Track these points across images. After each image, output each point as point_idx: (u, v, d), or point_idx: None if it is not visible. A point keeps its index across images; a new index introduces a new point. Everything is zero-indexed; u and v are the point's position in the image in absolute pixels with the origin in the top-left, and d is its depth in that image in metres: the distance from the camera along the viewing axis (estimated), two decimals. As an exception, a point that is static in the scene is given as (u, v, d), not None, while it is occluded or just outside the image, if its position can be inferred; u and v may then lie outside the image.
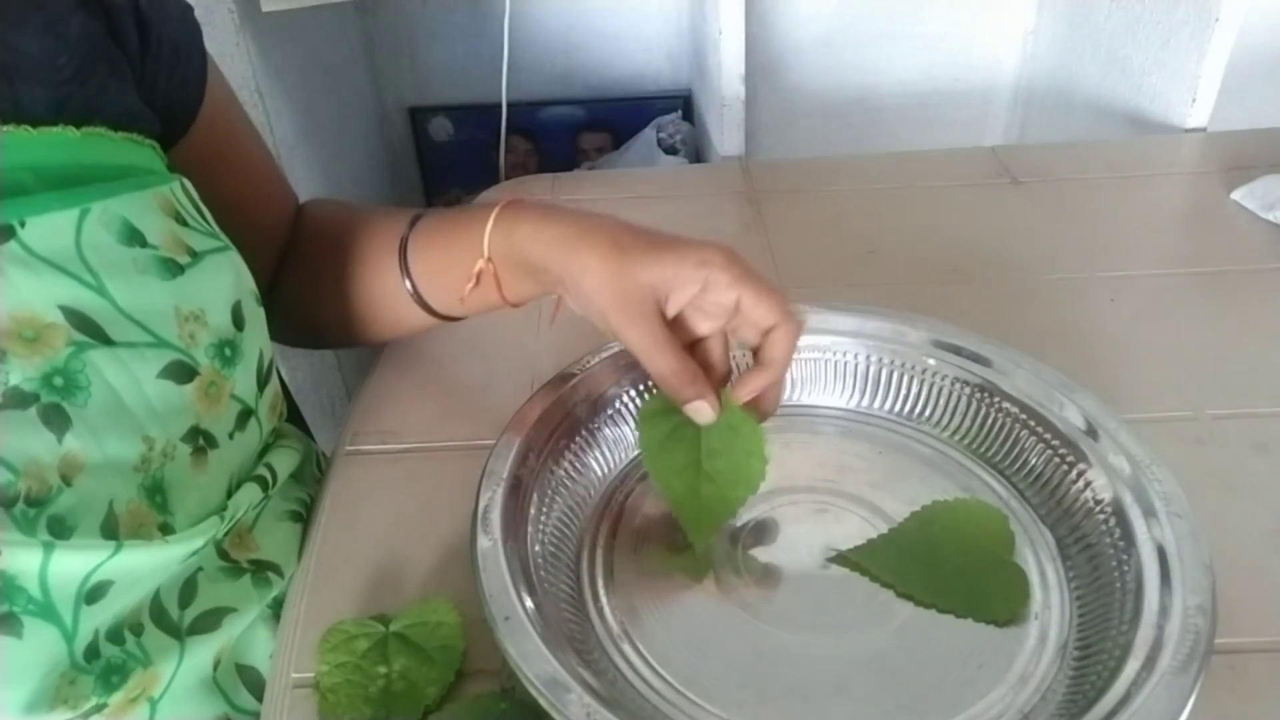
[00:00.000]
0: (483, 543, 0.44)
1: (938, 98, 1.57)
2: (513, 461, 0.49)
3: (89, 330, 0.40)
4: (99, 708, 0.40)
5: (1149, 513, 0.46)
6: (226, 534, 0.48)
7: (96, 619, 0.40)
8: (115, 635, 0.41)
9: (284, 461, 0.53)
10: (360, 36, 1.49)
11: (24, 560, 0.37)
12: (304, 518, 0.55)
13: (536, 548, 0.47)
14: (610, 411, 0.56)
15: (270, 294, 0.60)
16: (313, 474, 0.60)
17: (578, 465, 0.54)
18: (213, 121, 0.53)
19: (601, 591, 0.48)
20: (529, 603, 0.42)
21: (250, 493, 0.49)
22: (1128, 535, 0.46)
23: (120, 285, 0.41)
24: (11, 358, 0.37)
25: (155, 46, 0.47)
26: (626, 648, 0.45)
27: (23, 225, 0.38)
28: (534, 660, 0.39)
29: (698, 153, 1.48)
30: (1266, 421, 0.59)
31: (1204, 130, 1.04)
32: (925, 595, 0.46)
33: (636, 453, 0.56)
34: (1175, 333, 0.68)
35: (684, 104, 1.55)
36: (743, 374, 0.49)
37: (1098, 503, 0.48)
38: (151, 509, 0.42)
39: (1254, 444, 0.57)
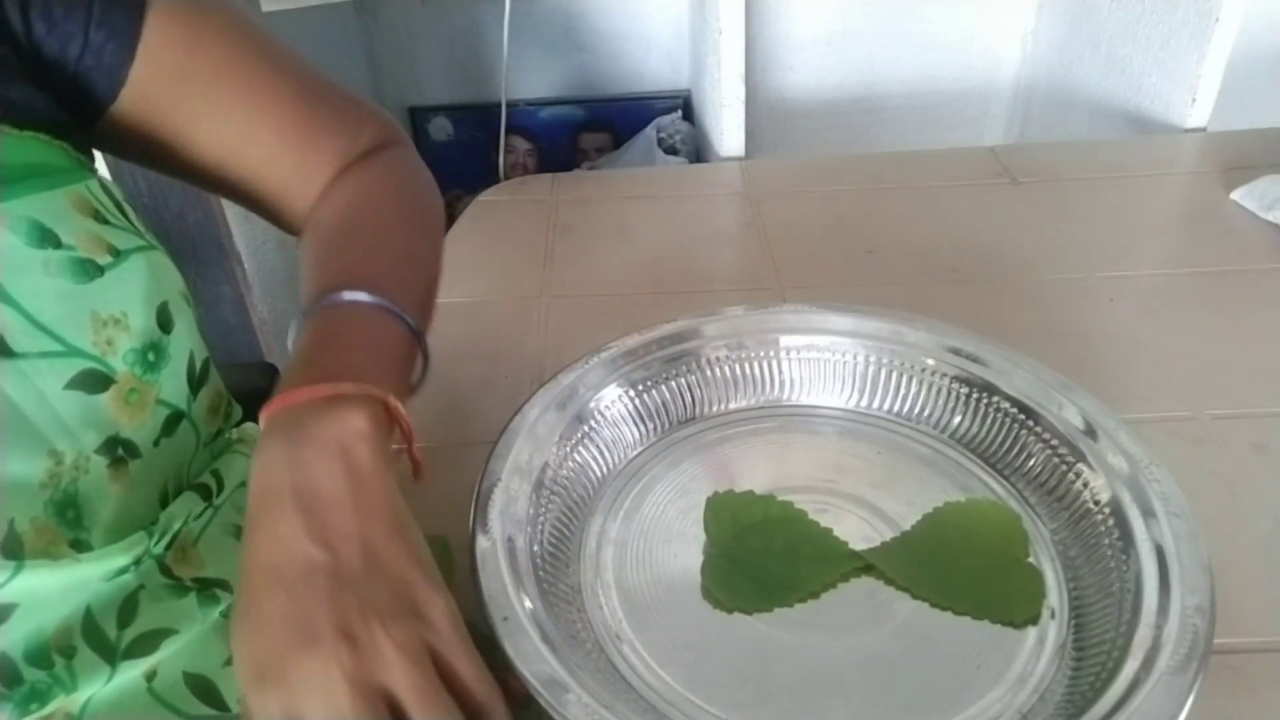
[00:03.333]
0: (482, 543, 0.44)
1: (938, 98, 1.57)
2: (512, 461, 0.49)
3: None
4: None
5: (1148, 513, 0.46)
6: (167, 548, 0.44)
7: (1, 642, 0.37)
8: (39, 658, 0.38)
9: (235, 468, 0.49)
10: (360, 36, 1.50)
11: None
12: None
13: (536, 548, 0.47)
14: (610, 412, 0.56)
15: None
16: None
17: (577, 465, 0.54)
18: (168, 69, 0.47)
19: (601, 591, 0.48)
20: (528, 603, 0.42)
21: (189, 502, 0.45)
22: (1126, 535, 0.46)
23: (26, 291, 0.38)
24: None
25: (41, 19, 0.43)
26: (626, 648, 0.45)
27: None
28: (533, 660, 0.39)
29: (698, 153, 1.48)
30: (1266, 421, 0.59)
31: (1204, 130, 1.04)
32: (941, 598, 0.46)
33: (636, 453, 0.56)
34: (1175, 333, 0.68)
35: (684, 104, 1.56)
36: None
37: (1096, 503, 0.48)
38: (60, 526, 0.39)
39: (1253, 444, 0.57)
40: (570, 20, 1.53)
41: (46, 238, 0.39)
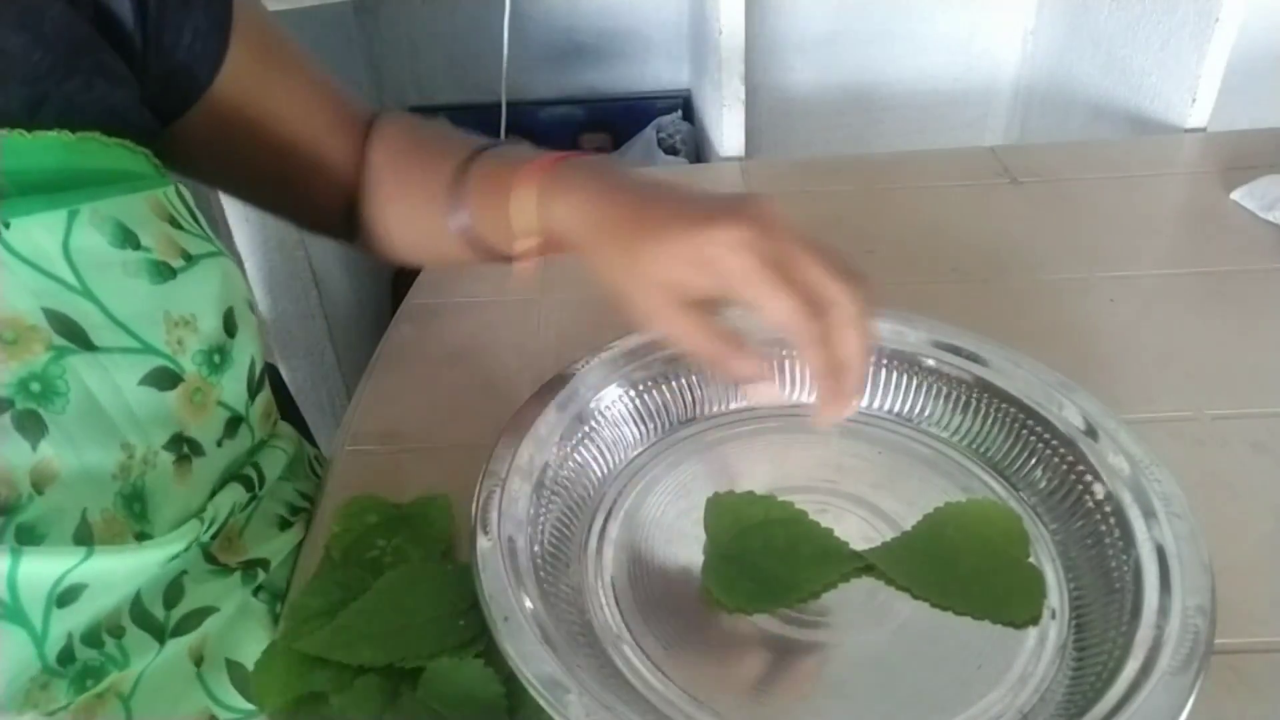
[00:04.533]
0: (482, 543, 0.44)
1: (938, 98, 1.57)
2: (512, 461, 0.49)
3: (71, 334, 0.39)
4: (65, 707, 0.39)
5: (1148, 513, 0.46)
6: (213, 538, 0.47)
7: (69, 622, 0.39)
8: (92, 638, 0.40)
9: (272, 462, 0.52)
10: (360, 36, 1.50)
11: None
12: (291, 522, 0.54)
13: (536, 548, 0.47)
14: (610, 412, 0.56)
15: (353, 211, 0.59)
16: (305, 473, 0.59)
17: (577, 465, 0.54)
18: (252, 46, 0.51)
19: (601, 592, 0.48)
20: (528, 603, 0.42)
21: (234, 493, 0.48)
22: (1127, 535, 0.46)
23: (107, 289, 0.40)
24: None
25: (156, 9, 0.46)
26: (626, 648, 0.45)
27: (7, 226, 0.38)
28: (534, 660, 0.39)
29: (698, 153, 1.48)
30: (1266, 421, 0.59)
31: (1204, 130, 1.04)
32: (941, 598, 0.46)
33: (636, 453, 0.56)
34: (1175, 333, 0.68)
35: (684, 104, 1.55)
36: (818, 392, 0.44)
37: (1097, 503, 0.48)
38: (128, 518, 0.41)
39: (1254, 444, 0.57)
40: (570, 20, 1.53)
41: (128, 239, 0.41)
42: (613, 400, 0.56)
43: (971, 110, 1.58)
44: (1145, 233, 0.82)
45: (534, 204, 0.47)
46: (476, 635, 0.43)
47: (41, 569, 0.37)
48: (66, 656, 0.39)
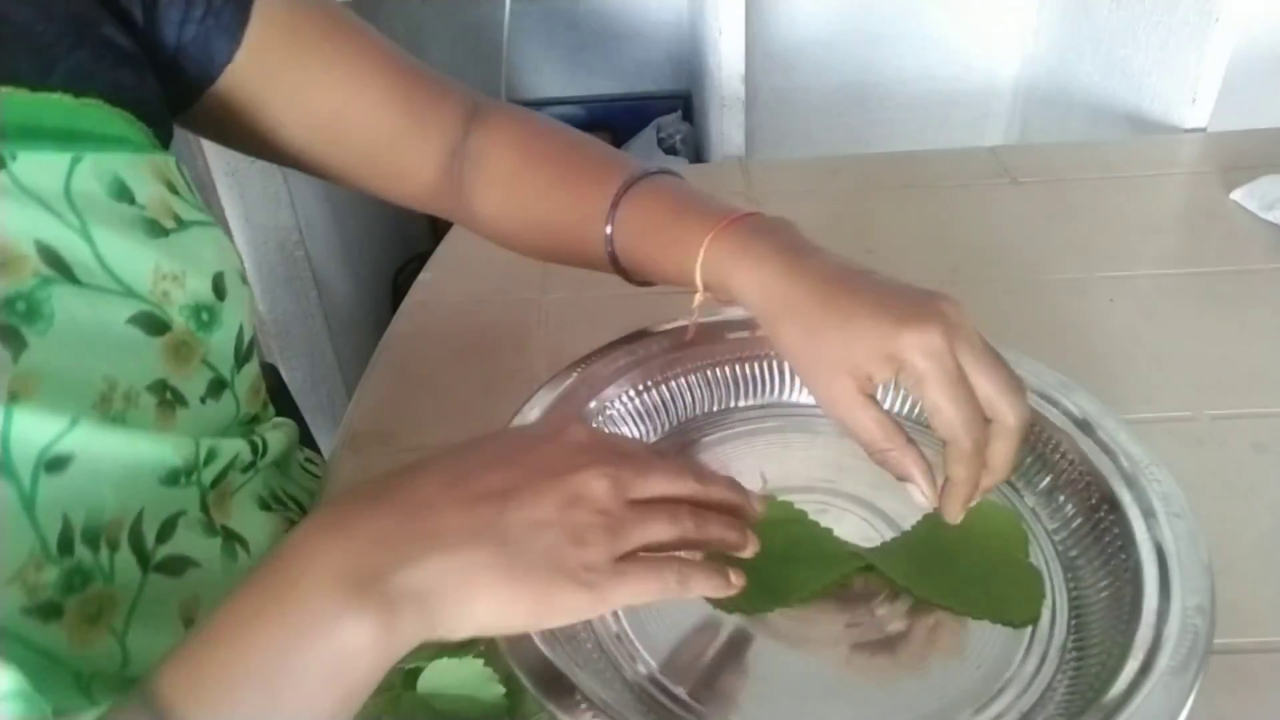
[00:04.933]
0: (482, 543, 0.44)
1: (938, 98, 1.57)
2: (512, 461, 0.49)
3: (59, 268, 0.39)
4: (55, 608, 0.39)
5: (1148, 513, 0.46)
6: (212, 485, 0.47)
7: (60, 498, 0.39)
8: (91, 539, 0.40)
9: (275, 440, 0.53)
10: (360, 36, 1.49)
11: None
12: (270, 507, 0.54)
13: (536, 548, 0.47)
14: (610, 411, 0.56)
15: (448, 195, 0.58)
16: (294, 471, 0.59)
17: (577, 465, 0.54)
18: (279, 29, 0.51)
19: (601, 591, 0.48)
20: (528, 603, 0.42)
21: (237, 446, 0.48)
22: (1126, 535, 0.46)
23: (103, 234, 0.41)
24: None
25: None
26: (626, 648, 0.45)
27: (14, 159, 0.39)
28: (533, 660, 0.39)
29: (698, 153, 1.49)
30: (1266, 421, 0.59)
31: (1204, 130, 1.04)
32: (942, 598, 0.46)
33: (636, 453, 0.56)
34: (1175, 333, 0.68)
35: (684, 104, 1.56)
36: (947, 480, 0.44)
37: (1097, 503, 0.48)
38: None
39: (1254, 444, 0.57)
40: (570, 20, 1.53)
41: (124, 193, 0.43)
42: (612, 400, 0.56)
43: (971, 110, 1.58)
44: (1145, 233, 0.82)
45: (701, 263, 0.47)
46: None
47: (30, 426, 0.37)
48: (65, 545, 0.39)
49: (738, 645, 0.45)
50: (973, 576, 0.47)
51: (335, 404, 1.35)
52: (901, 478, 0.45)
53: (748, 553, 0.41)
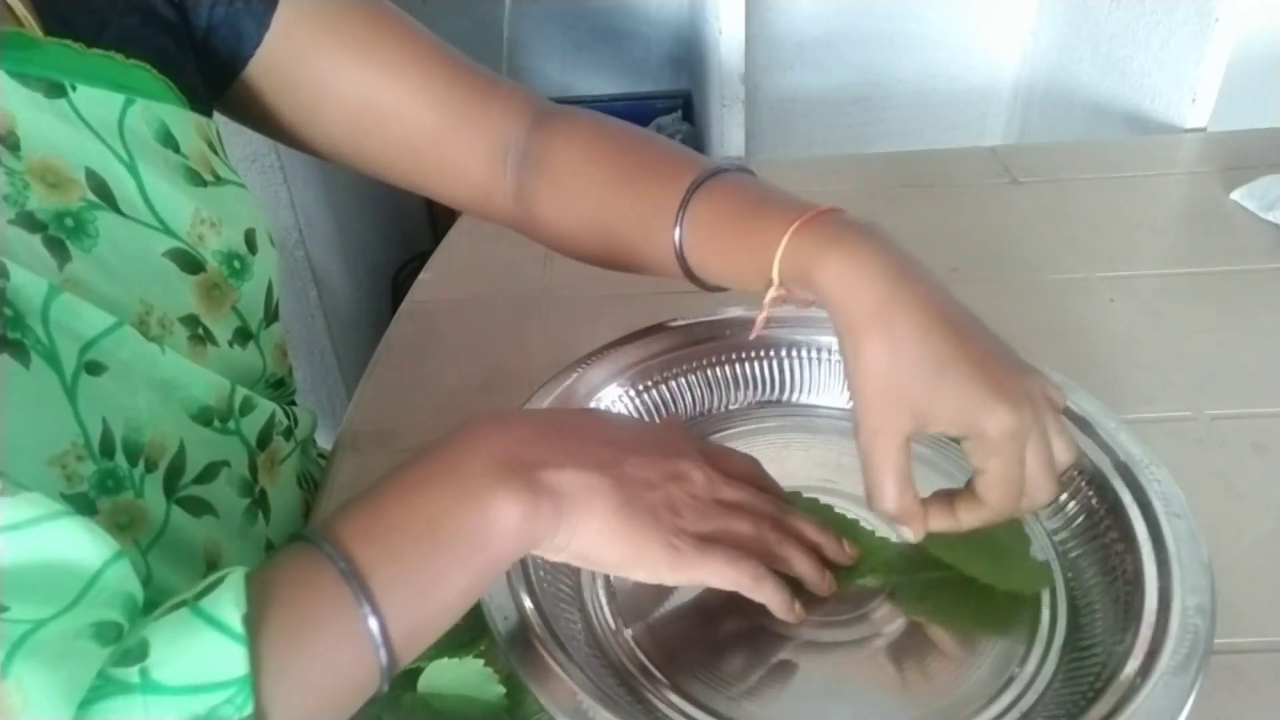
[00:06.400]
0: (482, 543, 0.44)
1: (938, 98, 1.57)
2: (512, 461, 0.49)
3: (104, 196, 0.42)
4: (89, 505, 0.39)
5: (1148, 513, 0.46)
6: (261, 444, 0.49)
7: (98, 402, 0.39)
8: (132, 452, 0.41)
9: (303, 422, 0.55)
10: (360, 36, 1.49)
11: (30, 291, 0.37)
12: (305, 486, 0.56)
13: (536, 548, 0.47)
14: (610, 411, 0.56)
15: (503, 196, 0.56)
16: (314, 456, 0.60)
17: (577, 465, 0.54)
18: (311, 19, 0.51)
19: (601, 592, 0.48)
20: (528, 603, 0.42)
21: (271, 406, 0.50)
22: (1127, 535, 0.46)
23: (150, 171, 0.43)
24: (33, 190, 0.39)
25: None
26: (626, 648, 0.45)
27: (74, 89, 0.41)
28: (534, 661, 0.39)
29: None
30: (1266, 421, 0.59)
31: (1204, 130, 1.04)
32: (951, 554, 0.45)
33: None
34: (1175, 333, 0.68)
35: (684, 104, 1.56)
36: (950, 511, 0.43)
37: (1097, 503, 0.48)
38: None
39: (1254, 444, 0.57)
40: (570, 20, 1.53)
41: (170, 140, 0.45)
42: (612, 400, 0.56)
43: (971, 110, 1.58)
44: (1145, 233, 0.82)
45: (781, 254, 0.44)
46: (476, 635, 0.43)
47: (73, 316, 0.39)
48: (107, 449, 0.40)
49: (738, 645, 0.45)
50: (981, 545, 0.46)
51: (335, 404, 1.35)
52: (905, 539, 0.44)
53: (824, 592, 0.44)
